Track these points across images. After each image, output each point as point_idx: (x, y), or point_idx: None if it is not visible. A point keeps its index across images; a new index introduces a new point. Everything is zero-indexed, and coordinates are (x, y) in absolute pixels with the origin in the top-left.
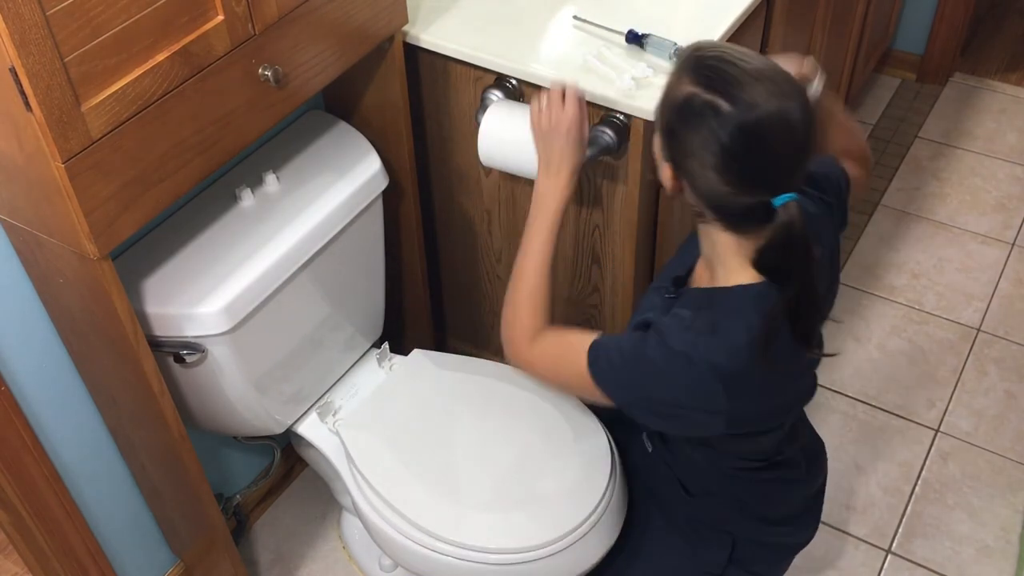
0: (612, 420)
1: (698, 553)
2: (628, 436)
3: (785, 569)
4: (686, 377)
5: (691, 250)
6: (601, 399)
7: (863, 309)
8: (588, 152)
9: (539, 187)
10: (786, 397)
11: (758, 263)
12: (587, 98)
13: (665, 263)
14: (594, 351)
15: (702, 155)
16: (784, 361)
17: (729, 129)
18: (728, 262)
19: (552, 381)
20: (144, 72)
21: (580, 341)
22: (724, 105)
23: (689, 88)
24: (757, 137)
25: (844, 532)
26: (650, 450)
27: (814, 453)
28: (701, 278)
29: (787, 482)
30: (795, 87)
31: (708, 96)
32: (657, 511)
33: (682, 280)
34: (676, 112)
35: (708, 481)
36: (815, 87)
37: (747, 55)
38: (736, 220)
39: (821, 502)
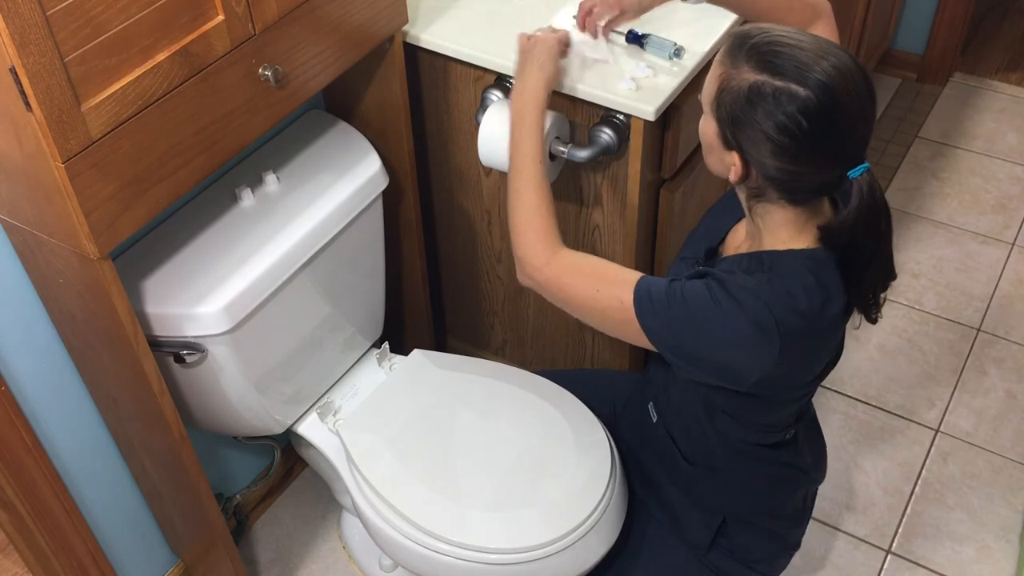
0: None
1: (681, 526)
2: (630, 407)
3: (782, 568)
4: (743, 322)
5: (719, 222)
6: (626, 332)
7: None
8: (588, 152)
9: (515, 95)
10: (821, 365)
11: (829, 233)
12: (587, 98)
13: (688, 236)
14: (643, 284)
15: (779, 139)
16: (836, 328)
17: (808, 113)
18: (779, 232)
19: (575, 301)
20: (144, 72)
21: (621, 271)
22: (799, 90)
23: (753, 76)
24: (836, 115)
25: (844, 532)
26: (654, 420)
27: (821, 452)
28: (739, 248)
29: (792, 469)
30: (848, 55)
31: (778, 83)
32: (640, 483)
33: (714, 251)
34: (743, 102)
35: (714, 455)
36: None
37: (792, 33)
38: (806, 196)
39: (812, 506)
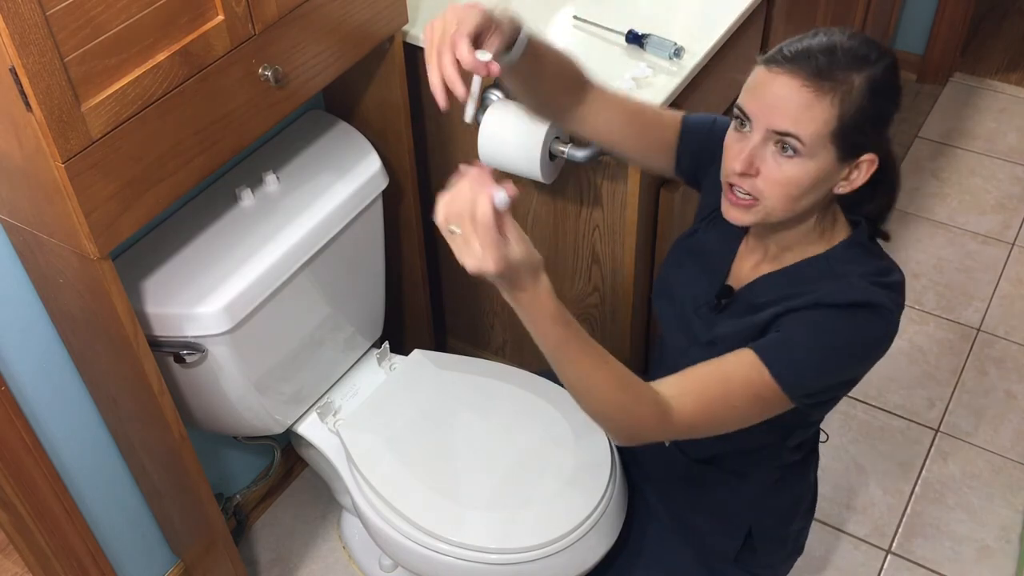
0: None
1: (706, 543)
2: None
3: (787, 571)
4: (876, 327)
5: (713, 260)
6: (779, 407)
7: None
8: (588, 152)
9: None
10: None
11: (862, 196)
12: None
13: (667, 291)
14: (765, 355)
15: (896, 105)
16: None
17: (897, 73)
18: (820, 231)
19: (721, 425)
20: (144, 72)
21: (732, 365)
22: (884, 58)
23: (858, 75)
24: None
25: (844, 532)
26: (667, 445)
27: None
28: (751, 274)
29: (808, 470)
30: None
31: (879, 64)
32: (663, 507)
33: (728, 289)
34: (868, 101)
35: (745, 467)
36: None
37: (812, 32)
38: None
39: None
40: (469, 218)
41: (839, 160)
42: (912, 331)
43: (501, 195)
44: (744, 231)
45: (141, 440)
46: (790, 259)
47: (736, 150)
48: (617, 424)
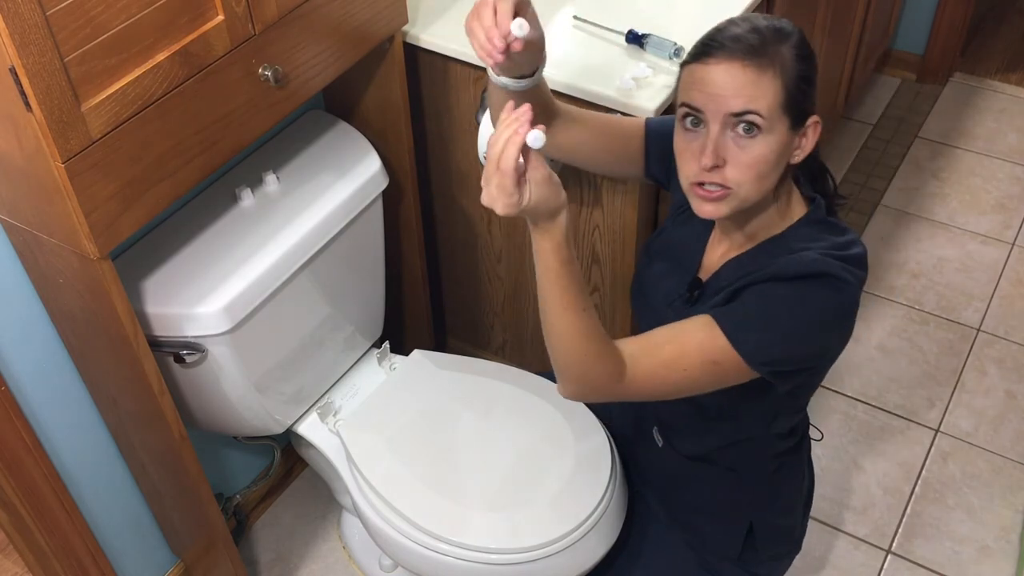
0: (614, 418)
1: (708, 543)
2: (633, 434)
3: (785, 569)
4: (830, 297)
5: (680, 260)
6: (739, 376)
7: (863, 309)
8: None
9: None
10: None
11: (813, 156)
12: (587, 97)
13: (641, 292)
14: (723, 322)
15: (813, 71)
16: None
17: (804, 35)
18: (793, 205)
19: (674, 389)
20: (144, 72)
21: (690, 332)
22: (795, 26)
23: (786, 45)
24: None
25: (844, 532)
26: (660, 445)
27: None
28: (717, 264)
29: (803, 459)
30: None
31: (795, 30)
32: (662, 508)
33: (698, 281)
34: (799, 69)
35: (739, 461)
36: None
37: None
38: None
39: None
40: (495, 162)
41: (791, 129)
42: (912, 331)
43: (536, 134)
44: (712, 224)
45: (141, 440)
46: (754, 242)
47: (695, 148)
48: (573, 373)
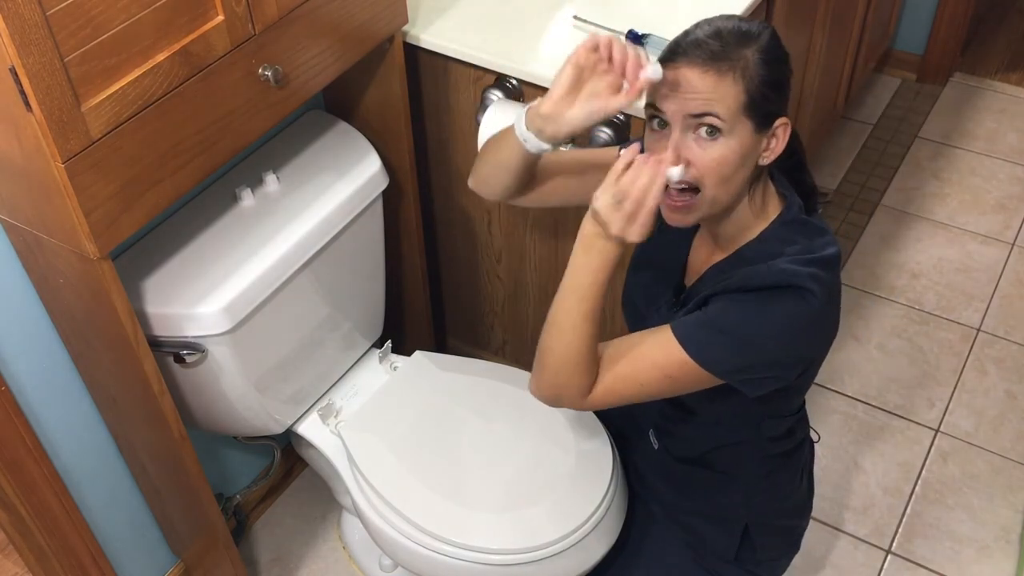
0: (613, 420)
1: (706, 544)
2: (631, 437)
3: (784, 569)
4: (793, 307)
5: (664, 266)
6: (698, 383)
7: (863, 309)
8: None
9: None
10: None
11: (792, 151)
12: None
13: (633, 299)
14: (682, 333)
15: (788, 67)
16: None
17: (776, 38)
18: (768, 206)
19: (631, 399)
20: (144, 72)
21: (651, 345)
22: (765, 27)
23: (752, 47)
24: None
25: (844, 532)
26: (656, 447)
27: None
28: (703, 268)
29: (800, 461)
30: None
31: (767, 32)
32: (660, 510)
33: (682, 287)
34: (767, 69)
35: (732, 464)
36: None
37: (702, 23)
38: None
39: (813, 491)
40: (638, 200)
41: (756, 131)
42: (912, 331)
43: (676, 170)
44: (694, 229)
45: (141, 440)
46: (734, 245)
47: (660, 148)
48: (558, 379)
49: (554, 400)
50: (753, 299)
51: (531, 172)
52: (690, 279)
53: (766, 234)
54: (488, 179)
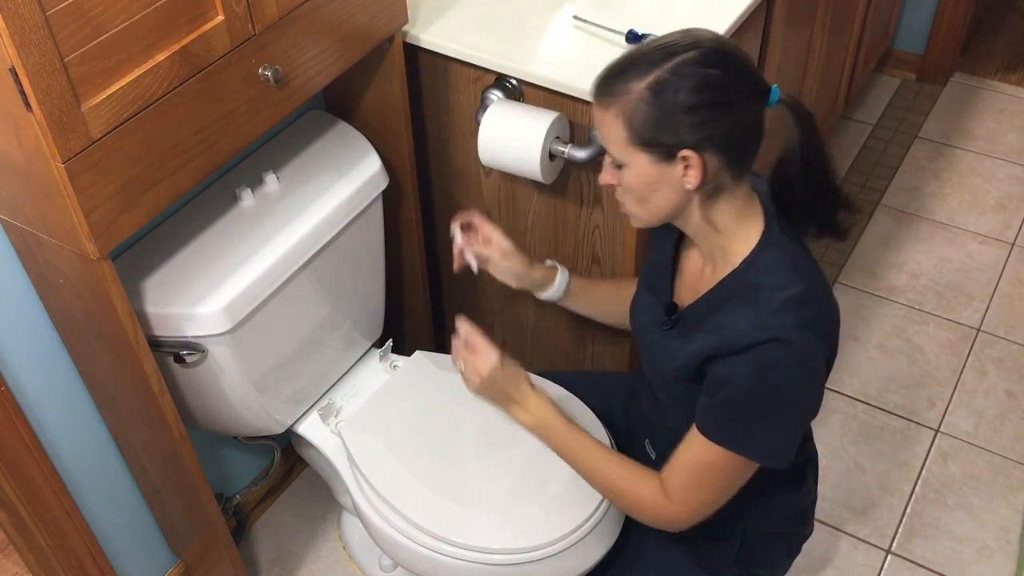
0: (613, 427)
1: (703, 551)
2: (628, 446)
3: (785, 570)
4: (784, 360)
5: (654, 284)
6: (768, 463)
7: (863, 309)
8: (588, 152)
9: (525, 422)
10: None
11: (784, 167)
12: (586, 98)
13: (632, 316)
14: (719, 435)
15: (705, 98)
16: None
17: (709, 62)
18: (737, 228)
19: (720, 500)
20: (144, 72)
21: (697, 454)
22: (688, 54)
23: (643, 82)
24: (729, 52)
25: (844, 532)
26: (653, 457)
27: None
28: (698, 284)
29: (800, 469)
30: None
31: (668, 64)
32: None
33: (673, 306)
34: (655, 103)
35: None
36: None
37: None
38: (750, 153)
39: (816, 497)
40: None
41: (659, 161)
42: (912, 331)
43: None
44: (673, 247)
45: (141, 440)
46: (721, 262)
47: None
48: (617, 503)
49: (644, 518)
50: (746, 366)
51: (582, 301)
52: (684, 293)
53: (747, 263)
54: (596, 316)
